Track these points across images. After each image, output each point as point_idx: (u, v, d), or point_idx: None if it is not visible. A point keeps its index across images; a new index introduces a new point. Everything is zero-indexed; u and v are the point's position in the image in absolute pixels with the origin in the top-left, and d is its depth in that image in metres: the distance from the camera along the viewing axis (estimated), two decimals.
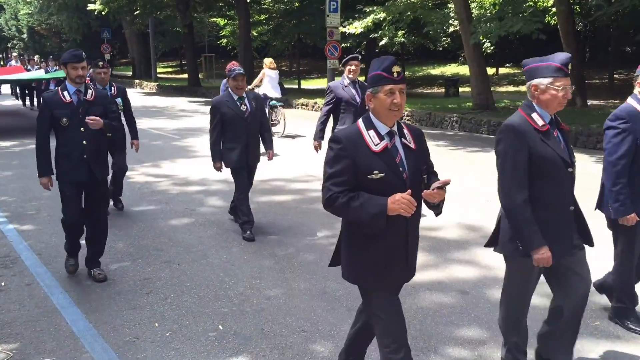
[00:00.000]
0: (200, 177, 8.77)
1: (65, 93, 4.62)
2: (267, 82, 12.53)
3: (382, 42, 18.70)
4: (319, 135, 6.48)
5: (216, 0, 27.06)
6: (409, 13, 16.36)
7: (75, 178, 4.68)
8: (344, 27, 17.48)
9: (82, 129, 4.59)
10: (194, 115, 17.37)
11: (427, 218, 4.10)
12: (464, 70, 29.46)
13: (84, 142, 4.62)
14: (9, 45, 45.86)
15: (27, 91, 20.87)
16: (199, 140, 12.45)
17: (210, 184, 8.31)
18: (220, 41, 32.83)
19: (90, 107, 4.64)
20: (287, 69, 38.42)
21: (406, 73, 29.59)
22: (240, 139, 5.80)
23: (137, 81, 32.75)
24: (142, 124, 12.66)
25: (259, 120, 5.97)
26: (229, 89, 5.95)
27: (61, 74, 15.74)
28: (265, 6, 27.80)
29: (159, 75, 32.33)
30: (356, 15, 19.79)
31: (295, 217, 6.60)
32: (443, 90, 24.76)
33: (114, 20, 32.67)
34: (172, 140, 12.44)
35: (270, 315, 4.17)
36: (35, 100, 20.01)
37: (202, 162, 9.91)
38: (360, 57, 6.62)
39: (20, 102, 22.57)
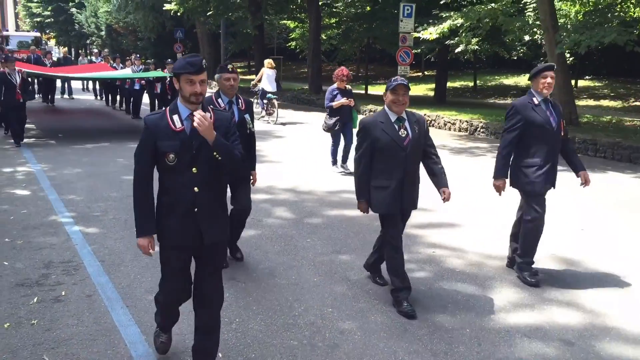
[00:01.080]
0: (266, 184, 8.43)
1: (176, 117, 3.19)
2: (265, 79, 15.49)
3: (458, 50, 17.92)
4: (502, 172, 4.96)
5: (288, 2, 26.93)
6: (487, 20, 15.54)
7: (180, 241, 3.26)
8: (418, 32, 16.85)
9: (194, 169, 3.17)
10: (260, 118, 17.23)
11: None
12: None
13: (195, 188, 3.19)
14: (87, 41, 47.78)
15: (107, 89, 20.40)
16: (266, 144, 12.18)
17: (277, 193, 7.96)
18: (290, 44, 32.80)
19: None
20: (354, 73, 38.08)
21: (477, 82, 28.55)
22: (394, 174, 4.31)
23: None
24: None
25: (421, 149, 4.39)
26: (386, 108, 4.34)
27: (151, 74, 15.47)
28: (336, 9, 27.47)
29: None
30: (430, 21, 19.13)
31: (368, 236, 6.12)
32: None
33: (188, 20, 33.24)
34: None
35: (345, 354, 3.71)
36: (117, 99, 19.51)
37: (268, 167, 9.61)
38: (554, 66, 5.02)
39: (97, 99, 22.64)
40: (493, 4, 15.08)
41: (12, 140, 11.44)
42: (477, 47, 22.56)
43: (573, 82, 25.61)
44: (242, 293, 4.63)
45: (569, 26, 14.38)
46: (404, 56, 19.07)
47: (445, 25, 15.86)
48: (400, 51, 19.04)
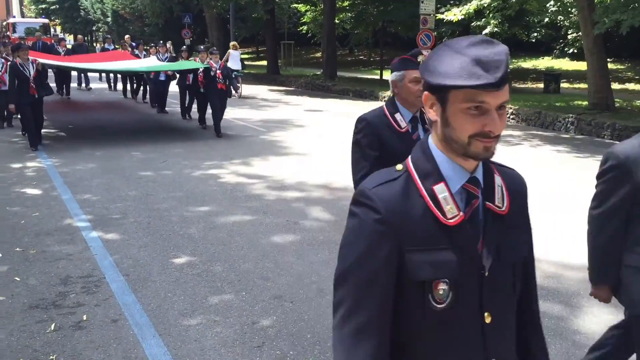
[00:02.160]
0: (296, 179, 7.77)
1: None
2: (231, 58, 17.49)
3: (485, 31, 17.08)
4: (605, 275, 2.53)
5: None
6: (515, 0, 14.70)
7: None
8: (442, 13, 16.04)
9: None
10: (277, 105, 16.50)
11: None
12: (558, 64, 27.22)
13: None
14: (94, 28, 47.01)
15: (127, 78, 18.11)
16: (288, 134, 11.51)
17: (310, 190, 7.29)
18: (301, 28, 31.91)
19: None
20: (364, 58, 37.11)
21: None
22: None
23: None
24: (225, 113, 11.88)
25: None
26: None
27: (185, 65, 13.35)
28: None
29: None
30: (452, 2, 18.30)
31: None
32: (538, 85, 22.84)
33: (197, 5, 32.40)
34: (259, 134, 11.54)
35: None
36: (140, 91, 17.29)
37: (295, 161, 8.94)
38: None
39: (111, 90, 20.31)
40: None
41: (22, 133, 10.56)
42: (496, 29, 21.79)
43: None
44: (290, 315, 3.99)
45: (608, 4, 13.50)
46: (424, 39, 18.21)
47: (472, 6, 15.04)
48: (421, 34, 18.19)
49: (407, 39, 31.95)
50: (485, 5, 14.92)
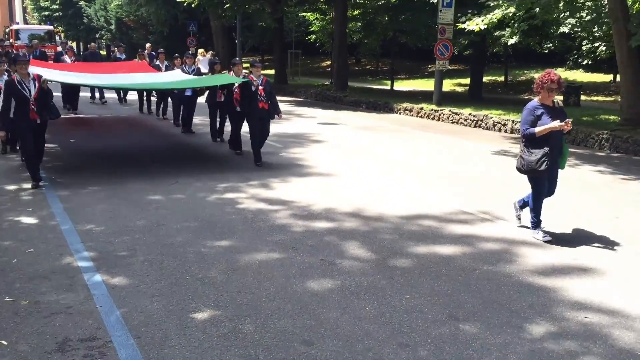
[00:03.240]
0: (324, 205, 6.95)
1: None
2: (200, 64, 16.31)
3: (511, 42, 16.28)
4: None
5: None
6: (541, 9, 13.88)
7: None
8: (463, 23, 15.25)
9: None
10: (289, 118, 15.68)
11: None
12: (573, 75, 26.51)
13: None
14: (97, 35, 46.34)
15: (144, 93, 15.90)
16: (307, 151, 10.70)
17: (341, 219, 6.46)
18: (309, 37, 31.21)
19: None
20: (372, 67, 36.32)
21: (507, 77, 26.92)
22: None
23: None
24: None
25: None
26: None
27: (219, 79, 10.69)
28: (360, 1, 25.85)
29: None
30: (469, 11, 17.54)
31: (486, 293, 4.61)
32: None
33: (202, 13, 31.74)
34: (276, 150, 10.67)
35: None
36: (161, 106, 14.95)
37: (320, 183, 8.11)
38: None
39: (122, 103, 18.10)
40: None
41: (20, 159, 8.77)
42: (514, 39, 21.03)
43: (611, 77, 24.04)
44: None
45: None
46: (442, 49, 17.53)
47: (496, 15, 14.23)
48: (439, 44, 17.49)
49: (416, 49, 31.34)
50: (511, 14, 14.09)
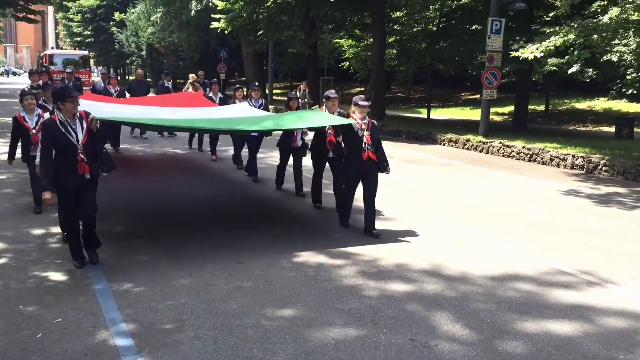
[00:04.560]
0: (394, 260, 5.96)
1: None
2: (190, 85, 15.36)
3: (571, 70, 15.25)
4: None
5: (348, 17, 24.64)
6: (606, 34, 12.86)
7: None
8: (516, 50, 14.30)
9: None
10: None
11: None
12: (617, 105, 25.35)
13: None
14: (127, 61, 46.58)
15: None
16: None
17: (418, 279, 5.46)
18: (342, 64, 30.58)
19: None
20: (403, 95, 35.47)
21: (548, 107, 25.75)
22: None
23: None
24: (274, 159, 9.66)
25: None
26: None
27: (323, 119, 7.52)
28: (398, 27, 25.15)
29: (274, 98, 30.53)
30: (516, 38, 16.60)
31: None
32: (600, 128, 20.92)
33: (233, 40, 31.42)
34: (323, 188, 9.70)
35: None
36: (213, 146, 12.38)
37: (382, 228, 7.08)
38: None
39: (164, 135, 15.77)
40: (615, 13, 12.36)
41: (62, 237, 6.24)
42: (555, 67, 19.98)
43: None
44: None
45: None
46: (490, 78, 16.59)
47: (553, 42, 13.24)
48: (487, 72, 16.55)
49: (449, 76, 30.48)
50: (570, 41, 13.09)
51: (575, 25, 13.27)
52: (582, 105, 26.98)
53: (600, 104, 26.75)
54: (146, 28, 37.63)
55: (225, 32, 25.36)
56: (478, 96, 31.77)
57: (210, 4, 27.12)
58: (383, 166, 6.97)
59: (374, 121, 7.12)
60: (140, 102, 10.80)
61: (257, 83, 11.23)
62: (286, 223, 7.56)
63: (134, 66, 46.12)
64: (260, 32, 24.86)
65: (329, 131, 7.55)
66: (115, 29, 45.39)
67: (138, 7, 40.09)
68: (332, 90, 7.98)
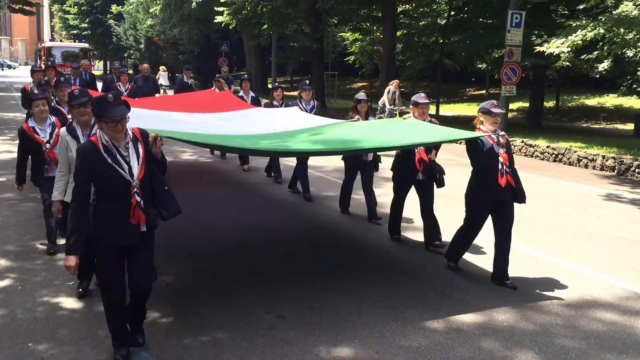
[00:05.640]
0: (451, 280, 5.27)
1: None
2: (161, 78, 22.23)
3: (602, 66, 14.59)
4: None
5: (356, 10, 23.85)
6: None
7: None
8: (540, 45, 13.61)
9: None
10: None
11: None
12: (628, 102, 24.73)
13: None
14: (125, 55, 45.62)
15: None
16: (380, 192, 8.95)
17: (485, 306, 4.78)
18: (348, 58, 29.84)
19: None
20: (407, 91, 34.71)
21: (559, 103, 25.13)
22: None
23: None
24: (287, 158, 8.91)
25: None
26: None
27: (460, 133, 5.76)
28: (406, 20, 24.41)
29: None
30: (535, 32, 15.93)
31: None
32: (615, 126, 20.29)
33: (235, 33, 30.60)
34: (336, 192, 8.62)
35: None
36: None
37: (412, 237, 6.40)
38: None
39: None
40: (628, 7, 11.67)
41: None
42: (568, 63, 19.30)
43: None
44: None
45: None
46: (509, 74, 15.86)
47: (579, 37, 12.56)
48: (506, 68, 15.83)
49: (454, 71, 29.76)
50: (600, 36, 12.40)
51: (603, 20, 12.61)
52: (592, 101, 26.38)
53: (610, 100, 26.16)
54: (144, 21, 36.75)
55: (231, 27, 24.55)
56: (484, 92, 31.14)
57: None
58: (522, 194, 5.19)
59: (506, 135, 5.22)
60: (169, 104, 8.36)
61: (307, 81, 9.42)
62: (364, 257, 6.83)
63: (131, 60, 45.24)
64: (264, 26, 24.09)
65: (419, 149, 5.96)
66: (112, 21, 44.42)
67: None
68: (422, 94, 6.19)
